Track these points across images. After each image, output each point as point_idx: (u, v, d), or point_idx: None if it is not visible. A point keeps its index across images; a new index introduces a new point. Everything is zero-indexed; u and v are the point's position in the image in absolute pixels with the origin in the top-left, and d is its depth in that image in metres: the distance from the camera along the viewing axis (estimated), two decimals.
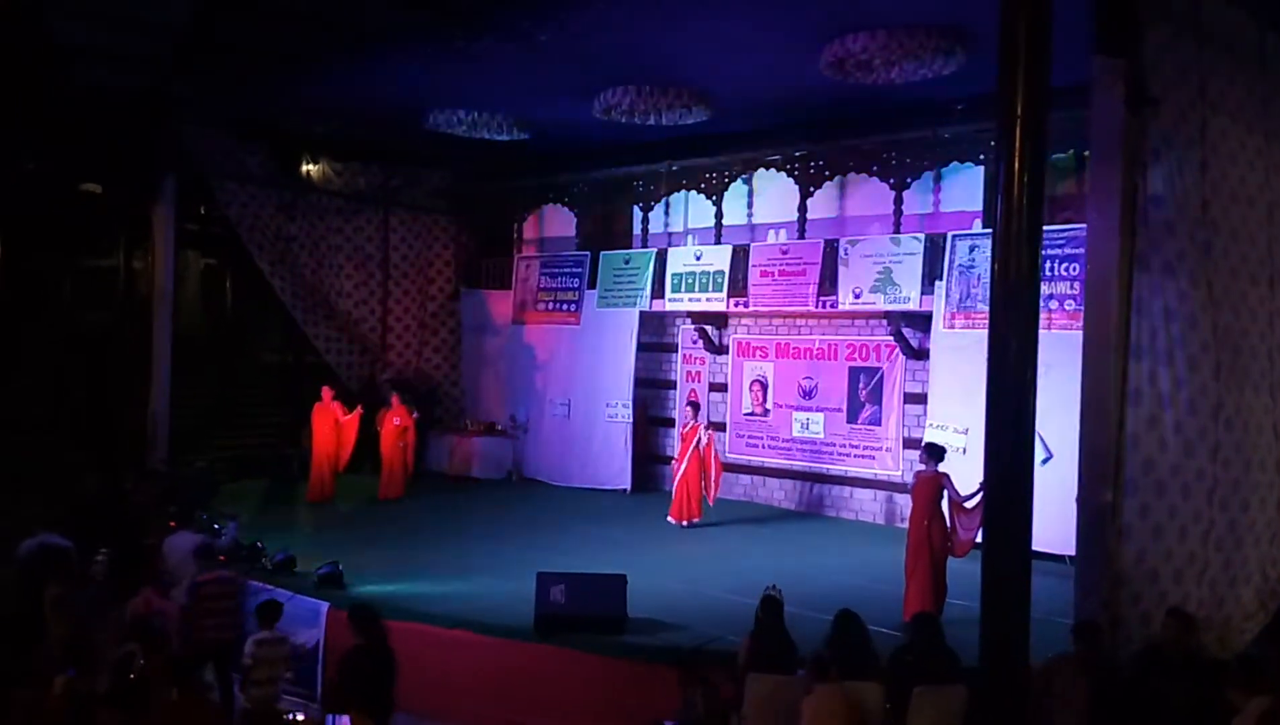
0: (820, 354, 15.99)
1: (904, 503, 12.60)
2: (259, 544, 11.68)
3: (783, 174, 16.15)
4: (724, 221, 17.05)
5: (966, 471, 10.01)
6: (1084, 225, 9.81)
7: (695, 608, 10.14)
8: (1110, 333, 7.95)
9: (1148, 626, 7.94)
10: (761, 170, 16.49)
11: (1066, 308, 12.21)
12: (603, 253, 17.81)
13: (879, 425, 15.24)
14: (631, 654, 8.79)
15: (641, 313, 16.98)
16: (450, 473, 18.38)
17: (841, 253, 14.75)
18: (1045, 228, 7.51)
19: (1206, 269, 8.50)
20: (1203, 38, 8.53)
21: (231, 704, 8.90)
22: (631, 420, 16.96)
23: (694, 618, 9.69)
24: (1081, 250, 10.53)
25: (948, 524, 9.96)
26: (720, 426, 16.67)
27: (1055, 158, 12.43)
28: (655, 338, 17.90)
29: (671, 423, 17.56)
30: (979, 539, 7.81)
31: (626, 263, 17.40)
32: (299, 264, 18.13)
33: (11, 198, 15.69)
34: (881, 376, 15.24)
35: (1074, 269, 12.03)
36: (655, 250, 17.27)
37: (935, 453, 10.23)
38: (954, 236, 13.73)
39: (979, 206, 14.54)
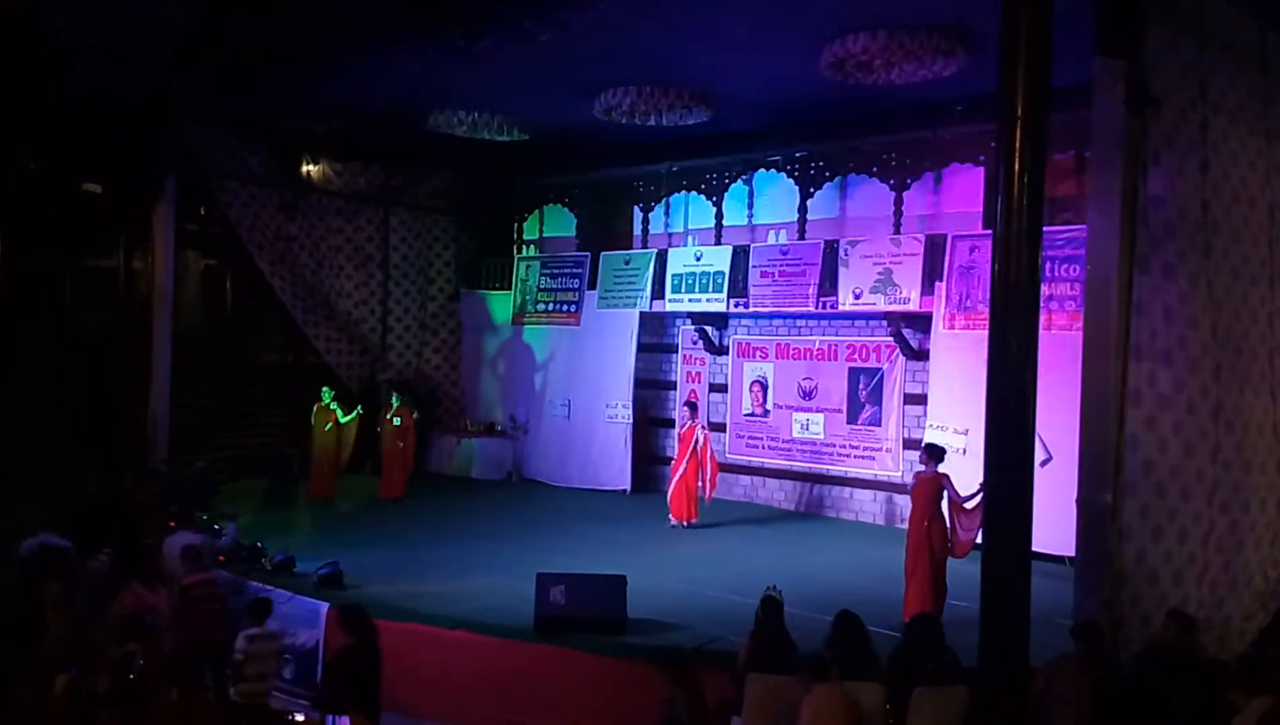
0: (820, 355, 15.98)
1: (904, 503, 12.59)
2: (259, 544, 11.68)
3: (783, 174, 16.19)
4: (724, 222, 17.07)
5: (966, 472, 10.01)
6: (1084, 226, 9.82)
7: (695, 608, 10.13)
8: (1110, 334, 7.95)
9: (1148, 627, 7.93)
10: (762, 171, 16.51)
11: (1066, 309, 12.21)
12: (603, 253, 17.80)
13: (879, 426, 15.23)
14: (631, 654, 8.77)
15: (641, 313, 16.97)
16: (450, 473, 18.38)
17: (841, 253, 14.74)
18: (1045, 228, 7.49)
19: (1207, 270, 8.50)
20: (1204, 38, 8.52)
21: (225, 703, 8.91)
22: (631, 421, 16.96)
23: (694, 618, 9.69)
24: (1081, 251, 10.50)
25: (947, 524, 9.95)
26: (720, 427, 16.69)
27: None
28: (655, 338, 17.89)
29: (671, 423, 17.54)
30: (979, 540, 7.81)
31: (627, 263, 17.40)
32: (299, 264, 18.12)
33: (12, 198, 15.71)
34: (881, 377, 15.23)
35: (1074, 270, 12.01)
36: (655, 251, 17.27)
37: (935, 453, 10.22)
38: (954, 237, 13.72)
39: (979, 207, 14.55)
